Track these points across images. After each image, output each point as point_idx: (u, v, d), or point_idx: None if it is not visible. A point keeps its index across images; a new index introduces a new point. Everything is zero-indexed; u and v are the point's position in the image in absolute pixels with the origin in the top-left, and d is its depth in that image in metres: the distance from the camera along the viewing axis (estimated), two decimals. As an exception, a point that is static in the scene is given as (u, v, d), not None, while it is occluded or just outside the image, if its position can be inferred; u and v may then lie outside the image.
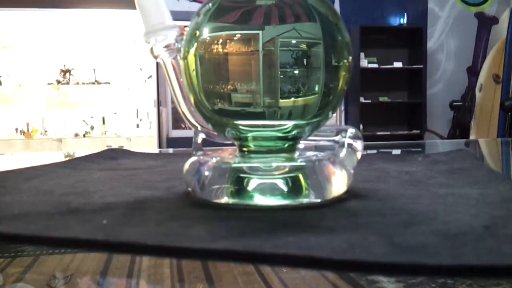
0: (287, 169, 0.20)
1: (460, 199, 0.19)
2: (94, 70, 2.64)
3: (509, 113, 1.70)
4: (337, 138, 0.23)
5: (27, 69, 2.56)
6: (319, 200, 0.20)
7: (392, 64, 2.78)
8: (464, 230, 0.15)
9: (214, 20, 0.21)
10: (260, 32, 0.20)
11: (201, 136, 0.26)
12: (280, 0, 0.21)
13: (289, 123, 0.21)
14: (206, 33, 0.21)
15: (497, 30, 2.86)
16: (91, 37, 2.58)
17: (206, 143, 0.26)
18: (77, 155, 0.41)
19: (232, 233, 0.16)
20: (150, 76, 2.62)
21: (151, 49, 0.24)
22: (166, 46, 0.24)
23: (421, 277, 0.12)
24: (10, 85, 2.56)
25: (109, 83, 2.64)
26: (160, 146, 2.58)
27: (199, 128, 0.25)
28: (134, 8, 0.24)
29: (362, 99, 2.72)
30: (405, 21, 2.82)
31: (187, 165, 0.22)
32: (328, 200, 0.20)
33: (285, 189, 0.19)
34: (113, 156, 0.37)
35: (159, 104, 2.59)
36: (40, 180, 0.27)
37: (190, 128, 0.25)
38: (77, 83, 2.63)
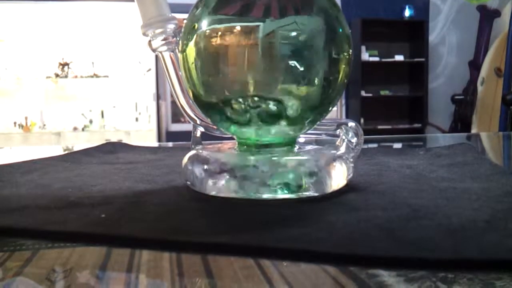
0: (287, 163, 0.20)
1: (462, 193, 0.19)
2: (93, 63, 2.62)
3: (511, 107, 1.69)
4: (337, 131, 0.23)
5: (25, 62, 2.54)
6: (319, 194, 0.20)
7: (393, 57, 2.76)
8: (466, 224, 0.15)
9: (213, 12, 0.21)
10: (260, 24, 0.19)
11: (200, 130, 0.25)
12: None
13: (289, 117, 0.21)
14: (205, 25, 0.21)
15: (499, 23, 2.84)
16: (89, 30, 2.56)
17: (205, 136, 0.26)
18: (75, 148, 0.41)
19: (231, 227, 0.16)
20: (149, 70, 2.60)
21: (149, 42, 0.24)
22: (164, 39, 0.23)
23: (422, 271, 0.12)
24: (8, 79, 2.55)
25: (107, 76, 2.63)
26: (159, 140, 2.58)
27: (198, 121, 0.25)
28: (133, 0, 0.24)
29: (363, 93, 2.71)
30: (407, 14, 2.80)
31: (186, 159, 0.22)
32: (328, 194, 0.20)
33: (284, 182, 0.19)
34: (112, 150, 0.37)
35: (158, 97, 2.58)
36: (38, 174, 0.27)
37: (189, 122, 0.25)
38: (76, 77, 2.62)
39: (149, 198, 0.20)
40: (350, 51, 0.21)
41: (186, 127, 2.45)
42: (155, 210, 0.18)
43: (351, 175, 0.22)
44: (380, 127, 2.73)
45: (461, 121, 2.83)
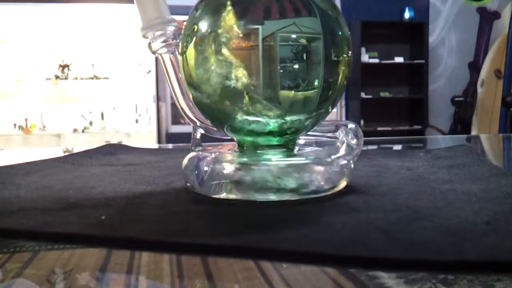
0: (286, 165, 0.20)
1: (462, 195, 0.19)
2: (93, 65, 2.63)
3: (511, 109, 1.70)
4: (337, 133, 0.23)
5: (26, 64, 2.55)
6: (319, 196, 0.20)
7: (393, 59, 2.76)
8: (466, 226, 0.15)
9: (213, 14, 0.21)
10: (259, 26, 0.20)
11: (200, 132, 0.25)
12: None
13: (289, 118, 0.21)
14: (204, 27, 0.21)
15: (499, 25, 2.84)
16: (90, 32, 2.57)
17: (205, 138, 0.26)
18: (75, 150, 0.41)
19: (231, 229, 0.16)
20: (149, 71, 2.61)
21: (149, 44, 0.24)
22: (164, 41, 0.23)
23: (422, 273, 0.12)
24: (8, 81, 2.56)
25: (107, 78, 2.63)
26: (159, 141, 2.58)
27: (198, 123, 0.25)
28: (133, 2, 0.24)
29: (363, 94, 2.71)
30: (407, 16, 2.80)
31: (186, 161, 0.22)
32: (328, 196, 0.20)
33: (284, 184, 0.19)
34: (112, 151, 0.37)
35: (158, 99, 2.59)
36: (38, 175, 0.27)
37: (189, 124, 0.25)
38: (76, 78, 2.63)
39: (149, 199, 0.20)
40: (350, 53, 0.21)
41: (186, 129, 2.45)
42: (155, 211, 0.18)
43: (351, 176, 0.22)
44: (380, 128, 2.73)
45: (461, 122, 2.83)
